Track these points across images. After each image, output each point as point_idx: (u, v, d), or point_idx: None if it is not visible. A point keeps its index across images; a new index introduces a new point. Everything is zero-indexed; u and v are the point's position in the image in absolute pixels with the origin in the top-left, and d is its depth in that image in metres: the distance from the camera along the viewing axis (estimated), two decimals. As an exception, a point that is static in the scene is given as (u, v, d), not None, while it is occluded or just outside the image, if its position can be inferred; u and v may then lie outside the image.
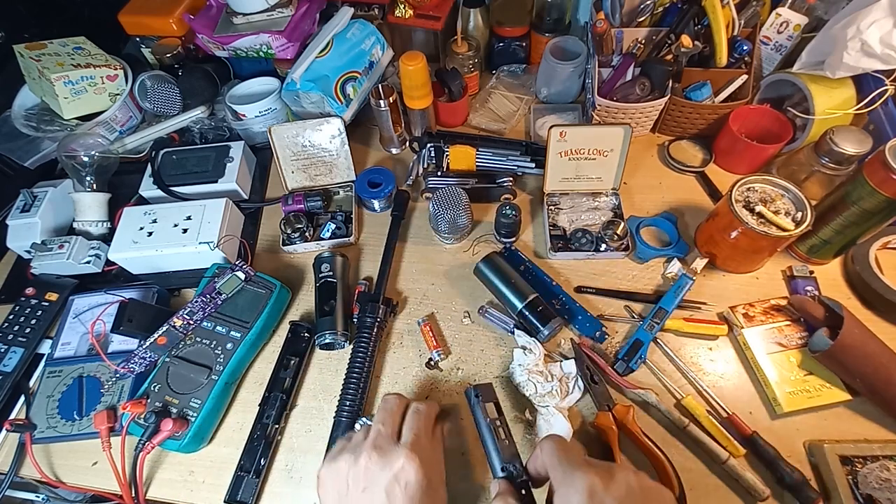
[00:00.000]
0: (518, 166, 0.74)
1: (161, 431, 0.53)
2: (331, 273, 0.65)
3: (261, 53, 0.79)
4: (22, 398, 0.62)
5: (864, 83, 0.66)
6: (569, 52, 0.82)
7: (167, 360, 0.58)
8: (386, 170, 0.74)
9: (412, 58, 0.70)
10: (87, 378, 0.60)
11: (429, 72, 0.73)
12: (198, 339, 0.60)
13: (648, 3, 0.74)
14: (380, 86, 0.76)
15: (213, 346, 0.59)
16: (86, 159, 0.73)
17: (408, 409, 0.46)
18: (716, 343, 0.60)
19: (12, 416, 0.61)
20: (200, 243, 0.64)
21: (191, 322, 0.59)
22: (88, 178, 0.73)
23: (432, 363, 0.61)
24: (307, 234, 0.71)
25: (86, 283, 0.70)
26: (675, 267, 0.64)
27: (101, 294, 0.66)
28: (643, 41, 0.76)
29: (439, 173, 0.74)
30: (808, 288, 0.61)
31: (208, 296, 0.60)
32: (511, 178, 0.72)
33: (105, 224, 0.74)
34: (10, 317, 0.67)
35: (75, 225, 0.72)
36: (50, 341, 0.64)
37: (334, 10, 0.80)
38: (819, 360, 0.54)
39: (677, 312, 0.61)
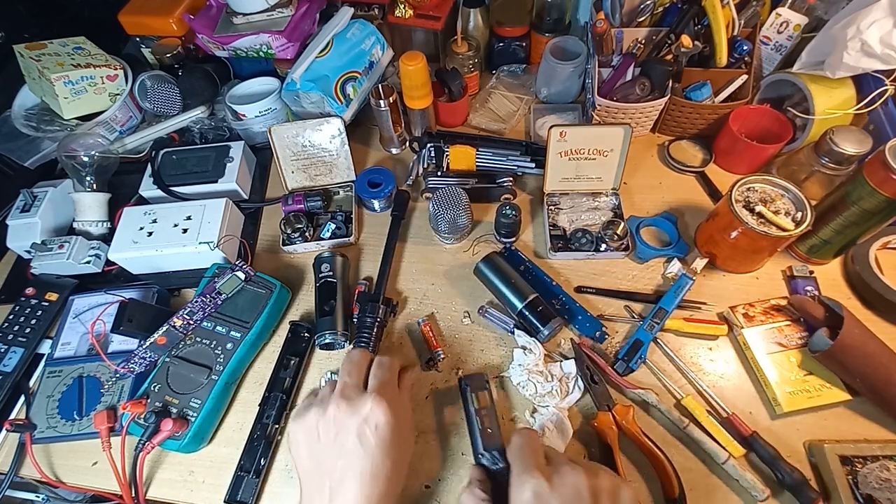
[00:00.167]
0: (518, 166, 0.74)
1: (161, 431, 0.53)
2: (331, 273, 0.65)
3: (261, 53, 0.80)
4: (22, 398, 0.62)
5: (864, 83, 0.66)
6: (569, 52, 0.82)
7: (167, 360, 0.58)
8: (386, 170, 0.74)
9: (412, 58, 0.70)
10: (87, 378, 0.60)
11: (429, 72, 0.73)
12: (198, 339, 0.60)
13: (648, 3, 0.74)
14: (380, 86, 0.76)
15: (213, 346, 0.59)
16: (86, 159, 0.73)
17: (372, 363, 0.49)
18: (716, 343, 0.60)
19: (12, 416, 0.61)
20: (200, 243, 0.64)
21: (191, 322, 0.59)
22: (88, 178, 0.73)
23: (432, 363, 0.61)
24: (307, 234, 0.71)
25: (86, 283, 0.70)
26: (675, 267, 0.64)
27: (101, 294, 0.66)
28: (643, 41, 0.76)
29: (439, 173, 0.74)
30: (808, 288, 0.61)
31: (208, 296, 0.60)
32: (511, 178, 0.72)
33: (105, 224, 0.74)
34: (10, 317, 0.67)
35: (75, 225, 0.72)
36: (50, 341, 0.64)
37: (334, 10, 0.80)
38: (819, 360, 0.54)
39: (677, 312, 0.61)
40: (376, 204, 0.74)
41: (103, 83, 0.79)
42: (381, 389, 0.45)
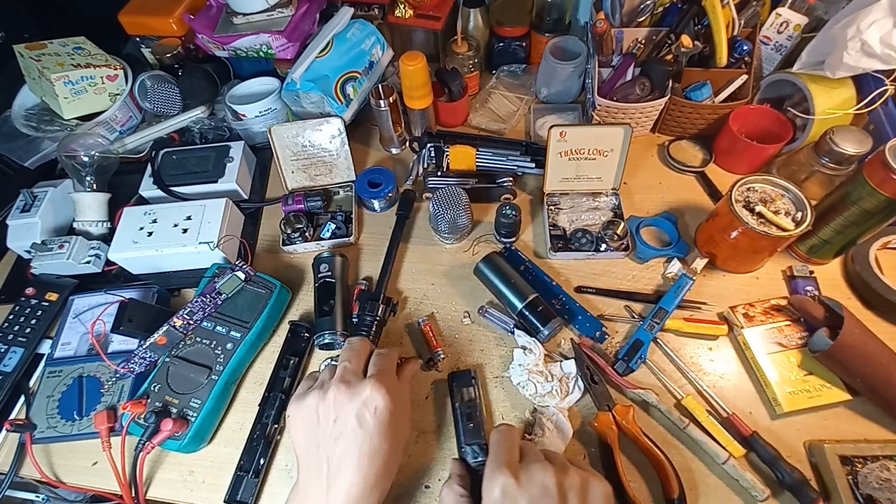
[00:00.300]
0: (518, 166, 0.74)
1: (161, 431, 0.53)
2: (329, 273, 0.65)
3: (261, 53, 0.80)
4: (22, 398, 0.62)
5: (864, 83, 0.66)
6: (569, 52, 0.82)
7: (167, 360, 0.58)
8: (386, 170, 0.74)
9: (412, 58, 0.70)
10: (87, 378, 0.60)
11: (429, 72, 0.73)
12: (198, 339, 0.60)
13: (648, 3, 0.74)
14: (380, 86, 0.76)
15: (213, 346, 0.59)
16: (86, 159, 0.73)
17: (372, 352, 0.50)
18: (716, 343, 0.60)
19: (12, 416, 0.61)
20: (200, 243, 0.64)
21: (191, 322, 0.59)
22: (88, 178, 0.73)
23: (432, 363, 0.61)
24: (307, 234, 0.71)
25: (86, 283, 0.70)
26: (675, 267, 0.64)
27: (101, 294, 0.66)
28: (643, 41, 0.76)
29: (439, 173, 0.74)
30: (808, 288, 0.61)
31: (208, 296, 0.60)
32: (511, 178, 0.72)
33: (105, 224, 0.74)
34: (10, 317, 0.67)
35: (75, 225, 0.72)
36: (50, 341, 0.64)
37: (334, 10, 0.80)
38: (819, 360, 0.54)
39: (677, 312, 0.61)
40: (376, 204, 0.74)
41: (103, 83, 0.79)
42: (380, 376, 0.45)
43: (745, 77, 0.72)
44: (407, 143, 0.83)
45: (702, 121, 0.75)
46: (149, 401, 0.56)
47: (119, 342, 0.62)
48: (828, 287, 0.62)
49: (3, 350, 0.64)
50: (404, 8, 0.83)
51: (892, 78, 0.63)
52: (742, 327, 0.58)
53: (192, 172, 0.74)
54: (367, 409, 0.43)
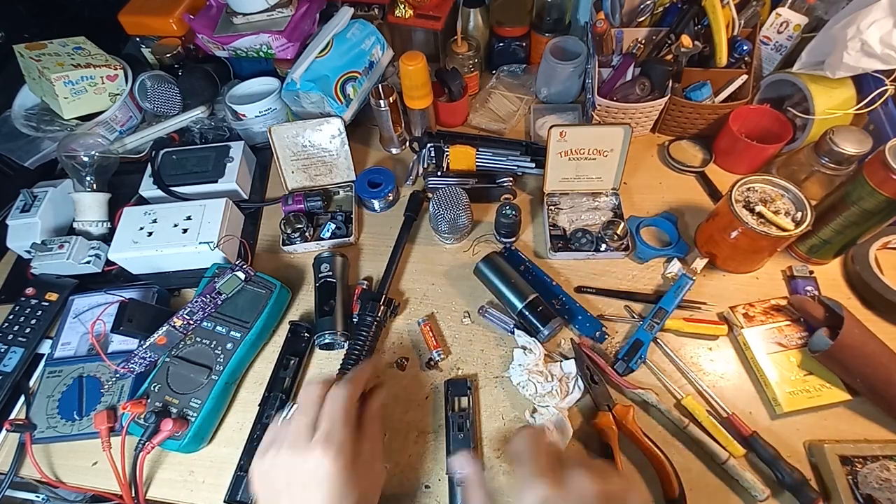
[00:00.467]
0: (518, 166, 0.74)
1: (161, 431, 0.53)
2: (330, 273, 0.65)
3: (261, 53, 0.80)
4: (22, 398, 0.62)
5: (864, 83, 0.66)
6: (569, 52, 0.82)
7: (167, 360, 0.58)
8: (386, 170, 0.74)
9: (412, 58, 0.70)
10: (87, 378, 0.60)
11: (429, 72, 0.73)
12: (198, 339, 0.60)
13: (648, 3, 0.74)
14: (380, 86, 0.76)
15: (213, 346, 0.59)
16: (86, 159, 0.73)
17: (327, 395, 0.44)
18: (716, 343, 0.60)
19: (12, 416, 0.61)
20: (200, 243, 0.64)
21: (191, 322, 0.59)
22: (88, 178, 0.73)
23: (432, 363, 0.61)
24: (307, 234, 0.71)
25: (86, 283, 0.70)
26: (675, 267, 0.64)
27: (101, 294, 0.66)
28: (643, 41, 0.76)
29: (439, 173, 0.74)
30: (808, 288, 0.61)
31: (208, 296, 0.60)
32: (511, 178, 0.72)
33: (105, 224, 0.74)
34: (10, 317, 0.67)
35: (75, 225, 0.72)
36: (50, 341, 0.64)
37: (334, 10, 0.80)
38: (819, 360, 0.54)
39: (677, 312, 0.61)
40: (376, 204, 0.74)
41: (103, 83, 0.79)
42: (329, 435, 0.41)
43: (745, 77, 0.72)
44: (407, 143, 0.83)
45: (702, 121, 0.75)
46: (149, 401, 0.56)
47: (119, 342, 0.62)
48: (828, 287, 0.62)
49: (3, 350, 0.64)
50: (404, 8, 0.83)
51: (892, 78, 0.63)
52: (742, 327, 0.58)
53: (192, 172, 0.74)
54: (315, 477, 0.40)
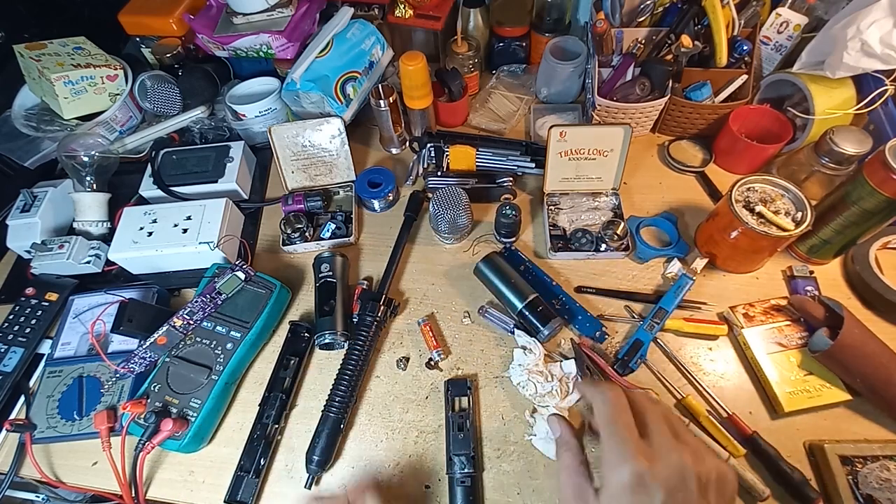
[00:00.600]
0: (518, 166, 0.74)
1: (161, 431, 0.53)
2: (330, 273, 0.65)
3: (261, 53, 0.79)
4: (22, 398, 0.62)
5: (864, 83, 0.66)
6: (569, 52, 0.82)
7: (167, 360, 0.58)
8: (386, 170, 0.74)
9: (412, 58, 0.70)
10: (87, 378, 0.60)
11: (429, 72, 0.73)
12: (198, 339, 0.60)
13: (648, 3, 0.74)
14: (380, 86, 0.76)
15: (213, 346, 0.59)
16: (86, 159, 0.73)
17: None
18: (716, 343, 0.60)
19: (12, 416, 0.61)
20: (200, 243, 0.64)
21: (191, 322, 0.59)
22: (88, 178, 0.73)
23: (432, 363, 0.61)
24: (307, 234, 0.71)
25: (86, 283, 0.70)
26: (675, 267, 0.64)
27: (101, 294, 0.66)
28: (643, 41, 0.76)
29: (439, 173, 0.74)
30: (808, 288, 0.61)
31: (208, 296, 0.60)
32: (511, 178, 0.72)
33: (105, 224, 0.74)
34: (10, 317, 0.67)
35: (75, 225, 0.72)
36: (50, 341, 0.64)
37: (334, 10, 0.80)
38: (819, 360, 0.54)
39: (677, 312, 0.61)
40: (376, 204, 0.74)
41: (103, 83, 0.79)
42: None
43: (745, 77, 0.72)
44: (407, 143, 0.83)
45: (702, 121, 0.75)
46: (149, 401, 0.56)
47: (119, 342, 0.62)
48: (828, 287, 0.62)
49: (3, 350, 0.64)
50: (404, 8, 0.83)
51: (892, 78, 0.63)
52: (742, 327, 0.58)
53: (192, 172, 0.74)
54: None
